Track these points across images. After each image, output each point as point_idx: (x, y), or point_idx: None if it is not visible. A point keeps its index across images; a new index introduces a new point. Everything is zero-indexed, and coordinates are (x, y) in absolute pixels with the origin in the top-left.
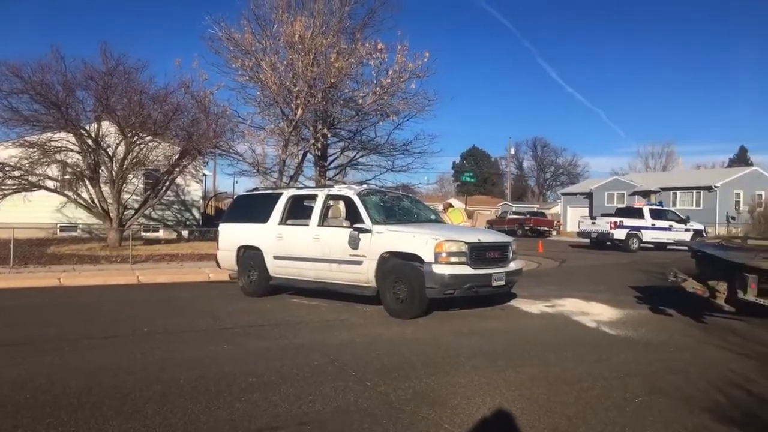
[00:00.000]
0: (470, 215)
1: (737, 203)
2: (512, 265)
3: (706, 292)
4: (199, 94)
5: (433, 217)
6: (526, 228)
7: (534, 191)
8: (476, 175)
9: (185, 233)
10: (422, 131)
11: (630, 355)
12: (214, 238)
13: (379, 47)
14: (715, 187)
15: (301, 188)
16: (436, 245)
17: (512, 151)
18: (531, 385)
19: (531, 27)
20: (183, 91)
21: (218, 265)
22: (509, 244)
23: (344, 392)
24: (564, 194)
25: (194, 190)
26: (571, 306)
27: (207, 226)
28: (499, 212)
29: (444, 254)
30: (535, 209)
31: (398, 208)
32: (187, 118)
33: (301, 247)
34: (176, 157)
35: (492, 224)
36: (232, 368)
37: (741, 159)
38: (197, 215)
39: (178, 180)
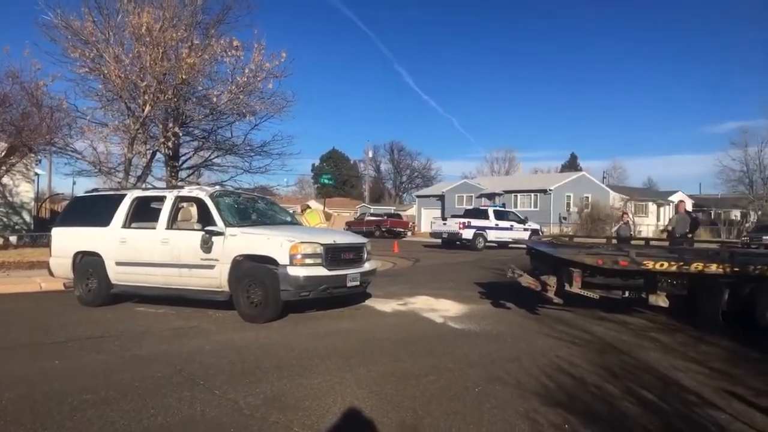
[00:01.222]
0: (328, 217)
1: (568, 205)
2: (367, 266)
3: (539, 286)
4: (31, 85)
5: (288, 219)
6: (383, 229)
7: (391, 193)
8: (335, 178)
9: (13, 239)
10: (280, 132)
11: (472, 347)
12: (48, 244)
13: (234, 45)
14: (549, 190)
15: (148, 189)
16: (291, 247)
17: (370, 155)
18: (381, 381)
19: (388, 34)
20: (11, 81)
21: (51, 274)
22: (364, 245)
23: (190, 403)
24: (419, 196)
25: (25, 191)
26: (422, 303)
27: (40, 231)
28: (358, 214)
29: (299, 256)
30: (392, 211)
31: (253, 210)
32: (17, 111)
33: (148, 251)
34: (2, 154)
35: (351, 226)
36: (65, 385)
37: (572, 165)
38: (28, 219)
39: (5, 180)
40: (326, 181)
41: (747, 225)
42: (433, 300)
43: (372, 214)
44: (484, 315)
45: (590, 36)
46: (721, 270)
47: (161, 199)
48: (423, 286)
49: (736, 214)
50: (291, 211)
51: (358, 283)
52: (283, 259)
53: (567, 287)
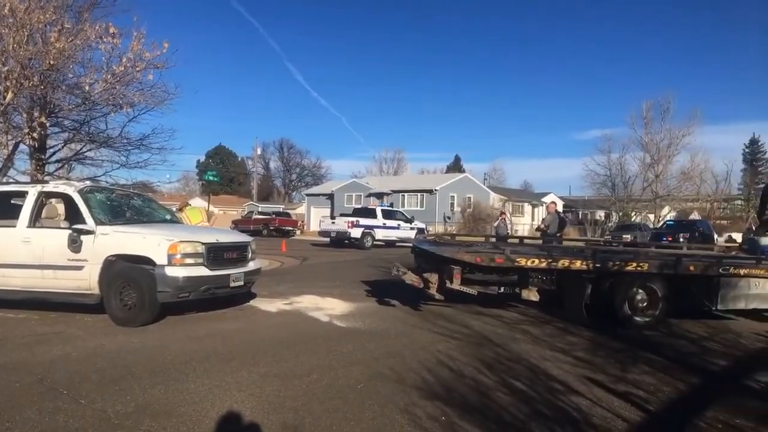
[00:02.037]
0: (209, 216)
1: (452, 204)
2: (251, 265)
3: (421, 283)
4: None
5: (168, 217)
6: (272, 228)
7: (280, 191)
8: (222, 175)
9: None
10: (161, 126)
11: (357, 345)
12: None
13: (111, 31)
14: (435, 190)
15: (9, 184)
16: (169, 246)
17: (259, 152)
18: (263, 383)
19: (279, 29)
20: None
21: None
22: (248, 244)
23: (52, 414)
24: (308, 195)
25: None
26: (308, 302)
27: None
28: (245, 212)
29: (178, 255)
30: (281, 209)
31: (128, 208)
32: None
33: (6, 251)
34: None
35: (237, 224)
36: None
37: (456, 166)
38: None
39: None
40: (211, 178)
41: (610, 224)
42: (319, 299)
43: (260, 213)
44: (369, 312)
45: (474, 44)
46: (584, 266)
47: (22, 194)
48: (310, 285)
49: (600, 214)
50: (174, 209)
51: (242, 282)
52: (160, 258)
53: (448, 284)
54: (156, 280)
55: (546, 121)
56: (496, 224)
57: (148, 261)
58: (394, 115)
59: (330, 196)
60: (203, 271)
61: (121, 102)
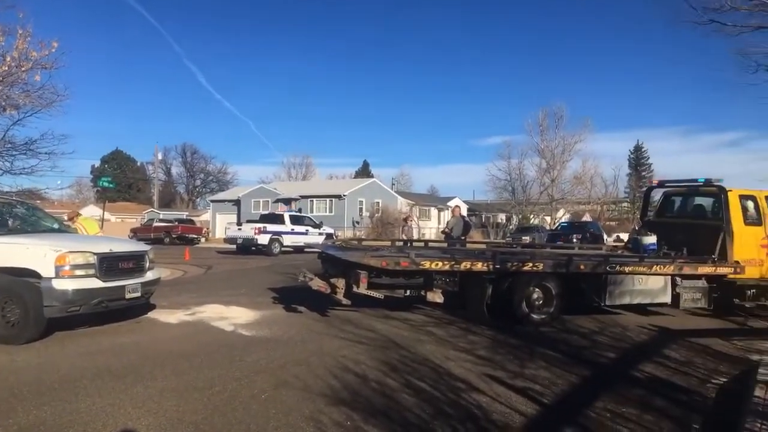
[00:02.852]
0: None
1: (361, 209)
2: (149, 275)
3: (328, 289)
4: None
5: (56, 226)
6: (174, 236)
7: (183, 198)
8: (119, 181)
9: None
10: (51, 130)
11: (261, 354)
12: None
13: None
14: (343, 195)
15: None
16: (57, 258)
17: (160, 157)
18: (160, 398)
19: (180, 29)
20: None
21: None
22: (146, 253)
23: None
24: (213, 201)
25: None
26: (211, 312)
27: None
28: (145, 219)
29: (67, 267)
30: (184, 216)
31: (10, 216)
32: None
33: None
34: None
35: (137, 233)
36: None
37: (365, 171)
38: None
39: None
40: (106, 184)
41: (510, 227)
42: (223, 308)
43: (161, 220)
44: (275, 320)
45: (380, 51)
46: (485, 268)
47: None
48: (214, 294)
49: (502, 217)
50: (63, 219)
51: (139, 294)
52: (46, 271)
53: (354, 289)
54: (42, 294)
55: (451, 128)
56: (402, 228)
57: (32, 273)
58: (302, 120)
59: (236, 202)
60: (95, 283)
61: (4, 104)
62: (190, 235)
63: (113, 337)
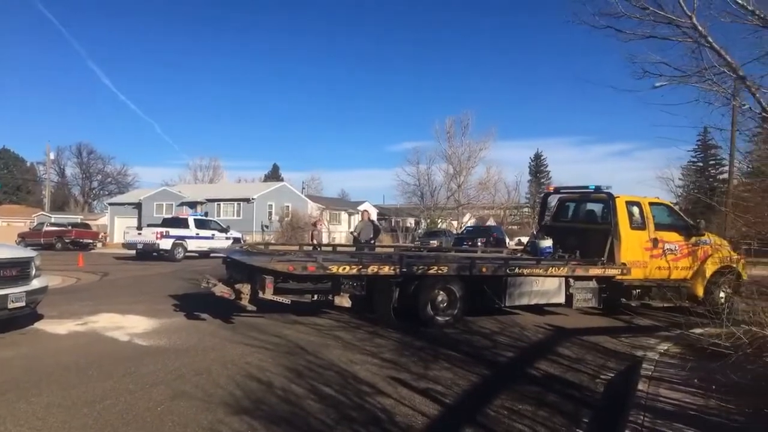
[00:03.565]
0: None
1: (270, 213)
2: (35, 283)
3: (232, 295)
4: None
5: None
6: (67, 241)
7: (78, 201)
8: (6, 182)
9: None
10: None
11: (159, 364)
12: None
13: None
14: (252, 199)
15: None
16: None
17: (52, 156)
18: (46, 414)
19: (81, 28)
20: None
21: None
22: (31, 259)
23: None
24: (111, 204)
25: None
26: (106, 321)
27: None
28: (35, 224)
29: None
30: (79, 220)
31: None
32: None
33: None
34: None
35: (25, 237)
36: None
37: (274, 175)
38: None
39: None
40: None
41: (419, 231)
42: (119, 317)
43: (53, 224)
44: (176, 329)
45: (290, 55)
46: (392, 271)
47: None
48: (109, 302)
49: (411, 221)
50: None
51: (23, 303)
52: None
53: (260, 294)
54: None
55: (362, 133)
56: (311, 233)
57: None
58: (211, 122)
59: (137, 206)
60: None
61: None
62: (85, 240)
63: None
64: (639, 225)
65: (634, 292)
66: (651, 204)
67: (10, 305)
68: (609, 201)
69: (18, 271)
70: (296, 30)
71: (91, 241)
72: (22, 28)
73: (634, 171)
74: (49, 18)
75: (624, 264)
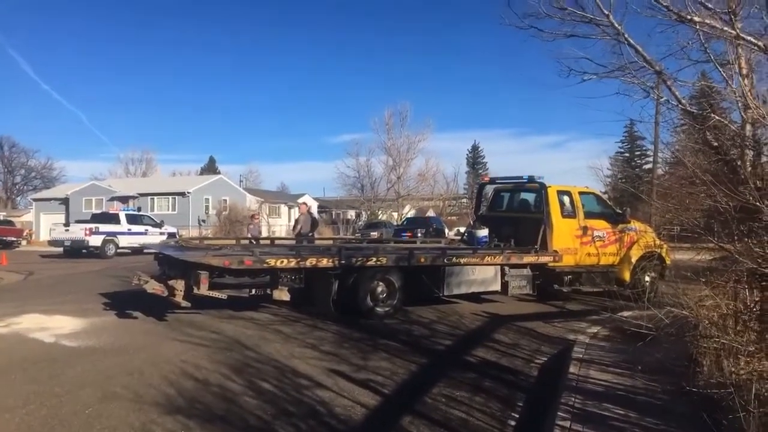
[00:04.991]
0: None
1: (207, 207)
2: None
3: (165, 291)
4: None
5: None
6: None
7: (0, 196)
8: None
9: None
10: None
11: (87, 365)
12: None
13: None
14: (188, 193)
15: None
16: None
17: None
18: None
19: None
20: None
21: None
22: None
23: None
24: (36, 200)
25: None
26: (30, 322)
27: None
28: None
29: None
30: (1, 217)
31: None
32: None
33: None
34: None
35: None
36: None
37: (211, 168)
38: None
39: None
40: None
41: (359, 223)
42: (44, 317)
43: None
44: (106, 328)
45: (228, 43)
46: (331, 263)
47: None
48: (34, 302)
49: (352, 213)
50: None
51: None
52: None
53: (195, 290)
54: None
55: (301, 125)
56: (249, 227)
57: None
58: (143, 113)
59: (65, 201)
60: None
61: None
62: (8, 238)
63: None
64: (570, 213)
65: (566, 278)
66: (581, 193)
67: None
68: (541, 190)
69: None
70: (230, 18)
71: (15, 238)
72: None
73: (567, 161)
74: None
75: (556, 251)
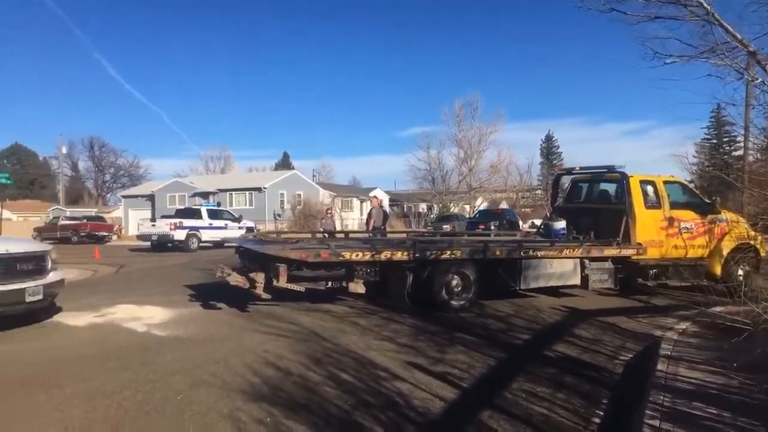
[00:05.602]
0: None
1: (282, 202)
2: (52, 276)
3: (247, 284)
4: None
5: None
6: (83, 234)
7: (92, 194)
8: (20, 177)
9: None
10: None
11: (177, 354)
12: None
13: None
14: (264, 188)
15: None
16: None
17: (64, 151)
18: (67, 406)
19: (86, 19)
20: None
21: None
22: (46, 253)
23: None
24: (125, 197)
25: None
26: (123, 313)
27: None
28: (50, 218)
29: None
30: (93, 213)
31: None
32: None
33: None
34: None
35: (41, 232)
36: None
37: (285, 164)
38: None
39: None
40: (3, 180)
41: (431, 216)
42: (136, 308)
43: (68, 218)
44: (192, 318)
45: (299, 43)
46: (405, 256)
47: None
48: (126, 294)
49: (423, 206)
50: None
51: (41, 296)
52: None
53: (274, 282)
54: None
55: (372, 119)
56: (323, 220)
57: None
58: (220, 112)
59: (150, 198)
60: None
61: None
62: (101, 233)
63: (13, 344)
64: (654, 204)
65: (651, 272)
66: (665, 182)
67: (28, 299)
68: (623, 180)
69: (34, 264)
70: (304, 18)
71: (106, 233)
72: (27, 22)
73: (648, 150)
74: (53, 9)
75: (639, 244)
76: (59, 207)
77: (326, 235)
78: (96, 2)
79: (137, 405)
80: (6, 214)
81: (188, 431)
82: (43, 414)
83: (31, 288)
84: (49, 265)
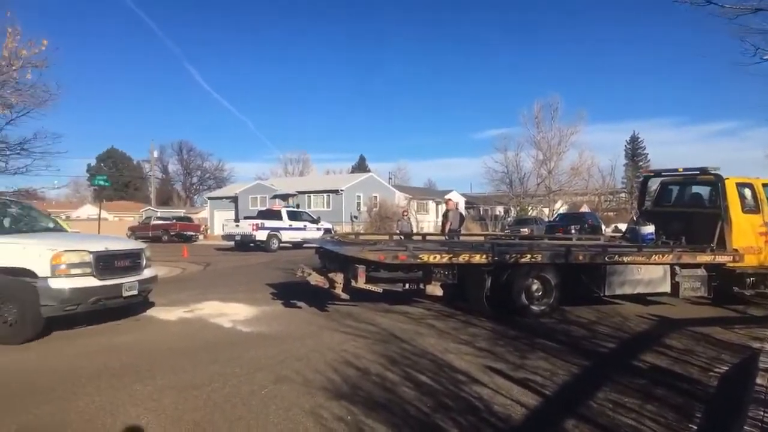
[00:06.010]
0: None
1: (358, 204)
2: (146, 273)
3: (326, 284)
4: None
5: (51, 225)
6: (172, 233)
7: (181, 195)
8: (116, 179)
9: None
10: (44, 128)
11: (261, 350)
12: None
13: None
14: (341, 190)
15: None
16: (53, 257)
17: (156, 154)
18: (160, 396)
19: (176, 29)
20: None
21: None
22: (142, 251)
23: None
24: (210, 198)
25: None
26: (210, 309)
27: None
28: (143, 218)
29: (63, 266)
30: (182, 214)
31: (5, 216)
32: None
33: None
34: None
35: (135, 231)
36: None
37: (361, 166)
38: None
39: None
40: (101, 182)
41: (508, 219)
42: (222, 305)
43: (159, 218)
44: (274, 316)
45: (375, 47)
46: (484, 260)
47: None
48: (213, 291)
49: (500, 209)
50: (64, 217)
51: (136, 292)
52: (42, 270)
53: (353, 283)
54: (39, 294)
55: (448, 122)
56: (399, 222)
57: (28, 273)
58: (298, 116)
59: (234, 199)
60: (92, 282)
61: None
62: (188, 233)
63: (111, 336)
64: (752, 208)
65: (748, 280)
66: (765, 185)
67: (125, 294)
68: (717, 183)
69: (130, 261)
70: (379, 22)
71: (193, 233)
72: (121, 33)
73: (741, 151)
74: (146, 21)
75: (736, 250)
76: (151, 208)
77: (403, 237)
78: (186, 15)
79: (224, 397)
80: (103, 214)
81: (273, 425)
82: (140, 402)
83: (128, 283)
84: (144, 263)
